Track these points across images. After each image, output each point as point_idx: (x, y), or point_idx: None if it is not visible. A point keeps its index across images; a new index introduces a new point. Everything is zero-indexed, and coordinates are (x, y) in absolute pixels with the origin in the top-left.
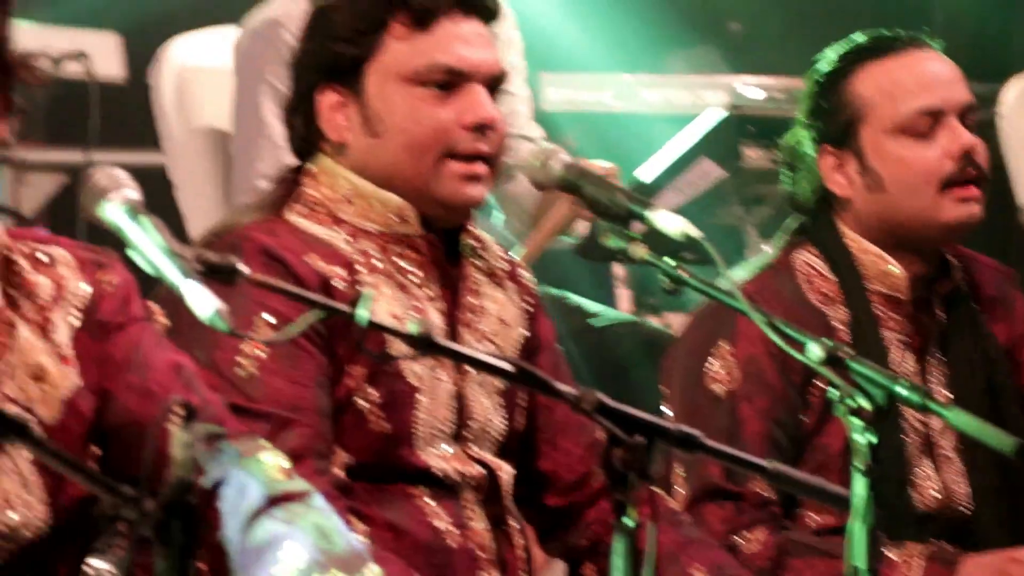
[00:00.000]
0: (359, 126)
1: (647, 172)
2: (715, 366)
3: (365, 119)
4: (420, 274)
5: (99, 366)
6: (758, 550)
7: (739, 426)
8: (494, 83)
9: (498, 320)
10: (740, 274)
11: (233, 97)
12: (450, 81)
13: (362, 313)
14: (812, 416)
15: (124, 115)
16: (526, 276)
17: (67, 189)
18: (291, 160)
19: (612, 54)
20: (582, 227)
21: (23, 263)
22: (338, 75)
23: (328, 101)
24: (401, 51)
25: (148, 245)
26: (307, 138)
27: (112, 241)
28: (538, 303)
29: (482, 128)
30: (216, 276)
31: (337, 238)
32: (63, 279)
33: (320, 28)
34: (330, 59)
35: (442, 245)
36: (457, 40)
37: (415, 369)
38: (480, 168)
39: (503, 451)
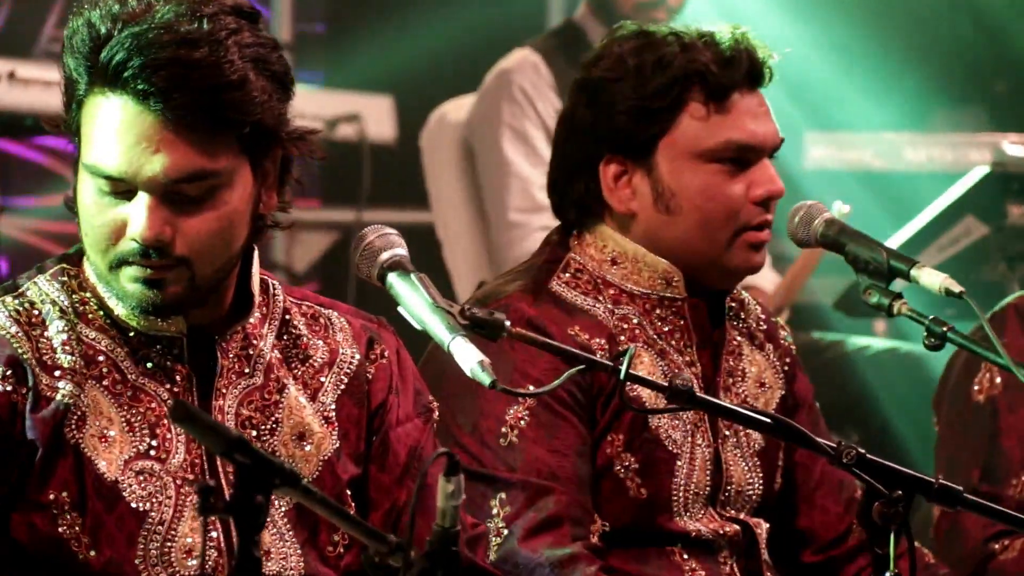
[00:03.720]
0: (649, 200)
1: (910, 229)
2: (979, 378)
3: (657, 195)
4: (680, 339)
5: (359, 431)
6: (1014, 556)
7: (998, 435)
8: (775, 152)
9: (756, 382)
10: None
11: (478, 150)
12: (741, 157)
13: (622, 367)
14: None
15: (394, 175)
16: (783, 335)
17: (338, 246)
18: (540, 194)
19: (877, 113)
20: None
21: (301, 325)
22: (624, 148)
23: (611, 172)
24: (696, 129)
25: (416, 301)
26: (585, 204)
27: (381, 296)
28: (795, 361)
29: (769, 200)
30: (481, 331)
31: (599, 308)
32: (338, 345)
33: (604, 98)
34: (618, 131)
35: (706, 309)
36: (747, 116)
37: (673, 435)
38: (767, 235)
39: (760, 510)
